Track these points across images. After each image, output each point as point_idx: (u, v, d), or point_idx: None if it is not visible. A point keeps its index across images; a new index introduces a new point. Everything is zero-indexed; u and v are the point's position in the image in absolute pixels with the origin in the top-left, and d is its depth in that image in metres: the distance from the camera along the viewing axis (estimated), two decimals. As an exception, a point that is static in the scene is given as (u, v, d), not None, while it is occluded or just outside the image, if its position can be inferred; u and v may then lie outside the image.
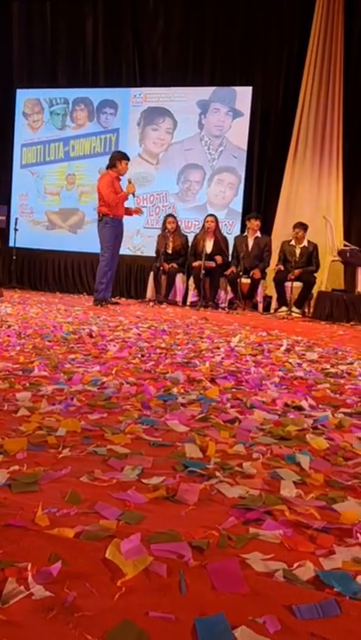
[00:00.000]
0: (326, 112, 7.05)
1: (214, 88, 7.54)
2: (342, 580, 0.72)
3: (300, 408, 1.72)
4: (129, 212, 5.85)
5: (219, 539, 0.83)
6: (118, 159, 5.67)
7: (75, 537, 0.80)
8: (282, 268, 6.23)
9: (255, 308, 6.51)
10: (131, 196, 5.69)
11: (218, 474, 1.09)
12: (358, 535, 0.85)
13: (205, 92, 7.57)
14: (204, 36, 7.77)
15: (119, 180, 5.71)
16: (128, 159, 5.77)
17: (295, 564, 0.76)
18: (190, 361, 2.46)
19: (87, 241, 8.00)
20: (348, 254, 5.96)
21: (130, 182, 5.69)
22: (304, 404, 1.75)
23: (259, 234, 6.64)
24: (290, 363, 2.60)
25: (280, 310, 6.26)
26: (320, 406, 1.76)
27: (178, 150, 7.71)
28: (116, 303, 5.92)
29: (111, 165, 5.69)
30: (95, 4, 8.21)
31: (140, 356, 2.52)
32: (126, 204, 5.80)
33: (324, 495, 1.02)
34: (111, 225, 5.65)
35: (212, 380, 2.06)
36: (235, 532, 0.85)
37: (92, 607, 0.64)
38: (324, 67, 7.04)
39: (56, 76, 8.37)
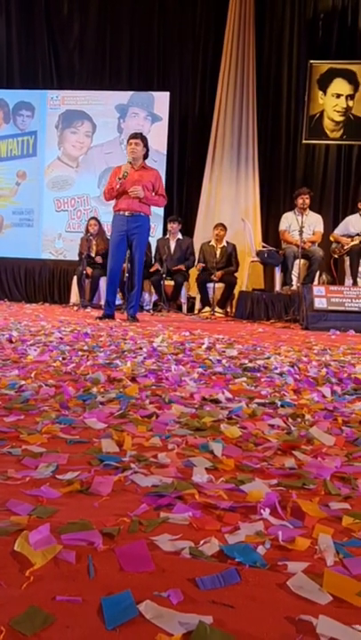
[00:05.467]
0: (241, 117, 7.29)
1: (132, 93, 7.59)
2: (244, 552, 0.77)
3: (216, 401, 1.78)
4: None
5: (130, 525, 0.85)
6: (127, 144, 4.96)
7: (-17, 534, 0.80)
8: (204, 264, 6.37)
9: (180, 309, 6.61)
10: (122, 178, 4.79)
11: (133, 465, 1.12)
12: (262, 511, 0.91)
13: (123, 97, 7.61)
14: (121, 42, 7.81)
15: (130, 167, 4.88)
16: (132, 137, 4.90)
17: (201, 542, 0.80)
18: (112, 362, 2.48)
19: (6, 246, 7.80)
20: (265, 255, 6.18)
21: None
22: (221, 397, 1.81)
23: (180, 236, 6.74)
24: (210, 360, 2.67)
25: (204, 311, 6.40)
26: (236, 398, 1.83)
27: (98, 153, 7.68)
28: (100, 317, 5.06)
29: None
30: (7, 2, 8.03)
31: (60, 358, 2.50)
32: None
33: (233, 478, 1.07)
34: (113, 222, 5.02)
35: (133, 379, 2.09)
36: (146, 518, 0.88)
37: (-2, 598, 0.64)
38: (237, 73, 7.28)
39: (-32, 77, 8.11)
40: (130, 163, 4.88)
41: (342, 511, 0.93)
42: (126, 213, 4.88)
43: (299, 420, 1.57)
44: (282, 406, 1.72)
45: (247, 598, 0.67)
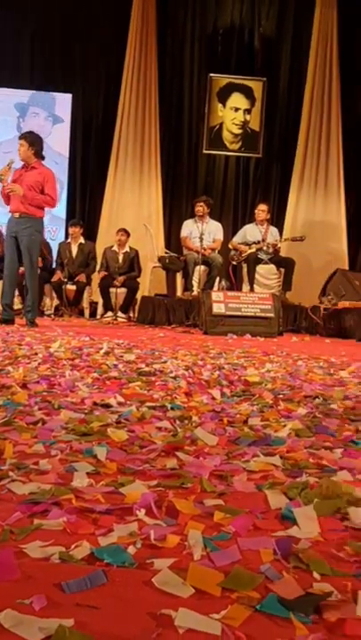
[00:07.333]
0: (144, 125, 7.37)
1: (33, 92, 7.41)
2: (114, 553, 0.77)
3: (107, 405, 1.77)
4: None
5: (0, 534, 0.83)
6: None
7: None
8: (106, 273, 6.35)
9: (82, 314, 6.52)
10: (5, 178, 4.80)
11: (11, 474, 1.09)
12: (137, 512, 0.92)
13: (24, 95, 7.40)
14: (22, 38, 7.59)
15: (17, 167, 4.91)
16: (20, 138, 4.94)
17: (73, 546, 0.80)
18: (4, 368, 2.39)
19: None
20: (167, 261, 6.27)
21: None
22: (112, 401, 1.81)
23: (82, 240, 6.67)
24: (107, 364, 2.66)
25: (106, 316, 6.36)
26: (128, 402, 1.84)
27: (-4, 152, 7.39)
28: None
29: None
30: None
31: None
32: None
33: (114, 481, 1.08)
34: (7, 224, 4.99)
35: (24, 386, 2.03)
36: (19, 526, 0.86)
37: None
38: (140, 81, 7.35)
39: None
40: (7, 164, 4.83)
41: (215, 507, 0.97)
42: (15, 215, 4.83)
43: (186, 421, 1.60)
44: (172, 409, 1.76)
45: (113, 598, 0.68)
